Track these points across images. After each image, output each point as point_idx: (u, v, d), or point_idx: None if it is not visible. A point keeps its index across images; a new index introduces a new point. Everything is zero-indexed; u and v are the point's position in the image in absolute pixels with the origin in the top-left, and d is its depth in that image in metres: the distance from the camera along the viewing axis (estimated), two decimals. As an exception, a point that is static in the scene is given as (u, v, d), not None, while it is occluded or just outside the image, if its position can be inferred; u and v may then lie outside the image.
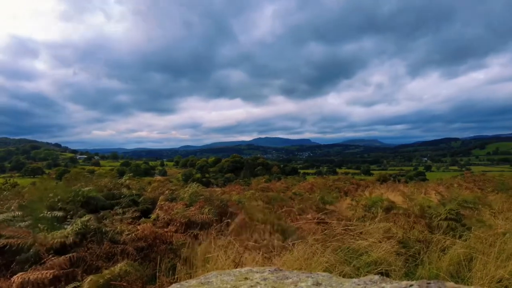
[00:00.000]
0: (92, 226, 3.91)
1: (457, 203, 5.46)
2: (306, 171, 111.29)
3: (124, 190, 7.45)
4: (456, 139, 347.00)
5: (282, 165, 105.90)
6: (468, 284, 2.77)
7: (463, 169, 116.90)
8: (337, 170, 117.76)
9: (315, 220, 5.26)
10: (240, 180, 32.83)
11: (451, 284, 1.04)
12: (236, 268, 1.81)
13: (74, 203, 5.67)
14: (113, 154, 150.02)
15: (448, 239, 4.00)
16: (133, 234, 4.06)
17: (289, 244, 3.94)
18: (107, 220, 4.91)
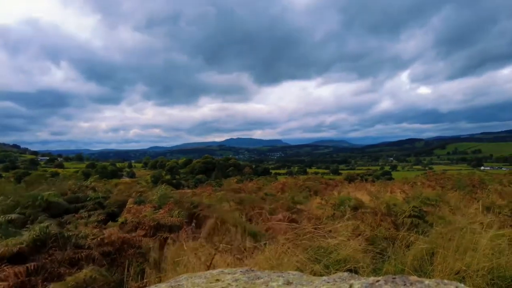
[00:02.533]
0: (53, 231, 3.71)
1: (420, 201, 5.72)
2: (277, 171, 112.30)
3: (90, 193, 7.16)
4: (419, 140, 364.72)
5: (254, 166, 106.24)
6: (429, 277, 2.91)
7: (426, 168, 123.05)
8: (308, 170, 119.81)
9: (286, 220, 5.31)
10: (212, 181, 32.56)
11: (414, 277, 1.09)
12: (208, 270, 1.78)
13: (34, 207, 5.37)
14: (78, 156, 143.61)
15: (412, 235, 4.17)
16: (99, 238, 3.89)
17: (261, 245, 3.95)
18: (71, 225, 4.69)
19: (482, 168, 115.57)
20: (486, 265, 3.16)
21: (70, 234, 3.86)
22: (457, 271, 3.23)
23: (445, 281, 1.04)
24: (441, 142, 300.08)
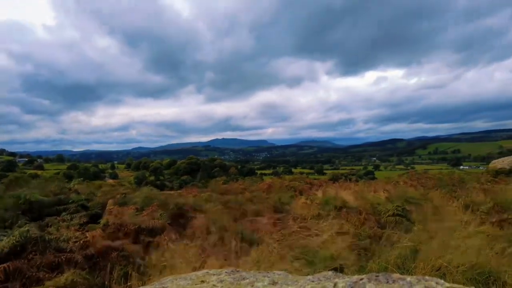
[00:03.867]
0: (33, 235, 3.60)
1: (403, 200, 5.84)
2: (263, 171, 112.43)
3: (73, 195, 7.00)
4: (401, 140, 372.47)
5: (239, 166, 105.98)
6: (412, 274, 2.97)
7: (408, 168, 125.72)
8: (293, 170, 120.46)
9: (272, 220, 5.32)
10: (197, 183, 32.32)
11: (397, 275, 1.11)
12: (193, 272, 1.76)
13: (14, 210, 5.20)
14: (59, 157, 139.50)
15: (395, 233, 4.26)
16: (82, 241, 3.80)
17: (247, 245, 3.95)
18: (52, 227, 4.57)
19: (461, 167, 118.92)
20: (465, 261, 3.26)
21: (51, 237, 3.76)
22: (439, 268, 3.31)
23: (426, 277, 1.06)
24: (423, 142, 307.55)
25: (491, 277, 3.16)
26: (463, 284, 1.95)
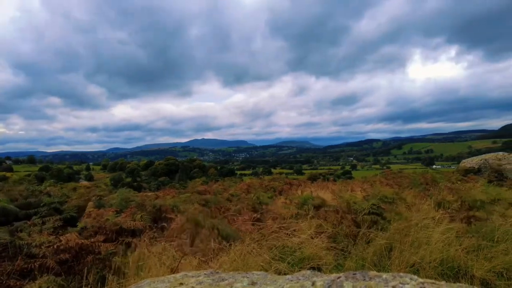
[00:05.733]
0: (3, 240, 3.44)
1: (378, 199, 6.00)
2: (243, 172, 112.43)
3: (44, 198, 6.73)
4: (377, 140, 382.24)
5: (219, 167, 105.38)
6: (387, 271, 3.07)
7: (384, 167, 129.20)
8: (272, 170, 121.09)
9: (251, 220, 5.33)
10: (176, 184, 31.87)
11: (373, 272, 1.15)
12: (172, 274, 1.75)
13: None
14: (30, 158, 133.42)
15: (372, 232, 4.37)
16: (55, 246, 3.66)
17: (226, 246, 3.93)
18: (23, 233, 4.37)
19: (434, 166, 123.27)
20: (437, 257, 3.40)
21: (22, 242, 3.60)
22: (412, 264, 3.44)
23: (401, 274, 1.10)
24: (398, 143, 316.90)
25: (461, 271, 3.31)
26: (435, 279, 2.03)
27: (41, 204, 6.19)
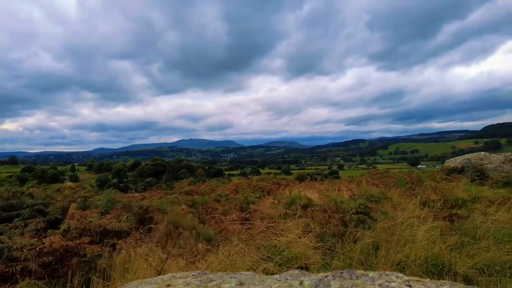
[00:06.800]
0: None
1: (365, 198, 6.07)
2: (231, 172, 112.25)
3: (27, 200, 6.55)
4: (364, 141, 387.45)
5: (207, 167, 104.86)
6: (374, 269, 3.11)
7: (370, 167, 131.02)
8: (261, 170, 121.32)
9: (239, 221, 5.32)
10: (163, 184, 31.55)
11: (360, 271, 1.16)
12: (159, 275, 1.73)
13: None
14: (12, 159, 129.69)
15: (358, 231, 4.42)
16: (38, 249, 3.57)
17: (214, 246, 3.92)
18: (3, 235, 4.24)
19: (419, 166, 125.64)
20: (422, 255, 3.47)
21: (3, 245, 3.50)
22: (398, 262, 3.50)
23: (387, 272, 1.12)
24: (384, 143, 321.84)
25: (445, 269, 3.39)
26: (420, 276, 2.07)
27: (24, 206, 6.02)
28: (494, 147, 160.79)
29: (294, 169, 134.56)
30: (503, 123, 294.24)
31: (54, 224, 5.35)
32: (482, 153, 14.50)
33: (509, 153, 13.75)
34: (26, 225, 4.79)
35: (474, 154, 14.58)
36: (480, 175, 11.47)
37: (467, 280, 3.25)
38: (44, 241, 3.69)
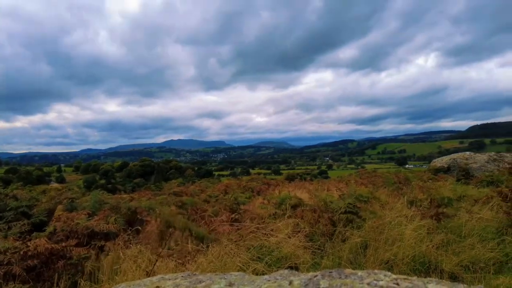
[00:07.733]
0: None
1: (354, 198, 6.13)
2: (221, 172, 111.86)
3: (11, 202, 6.39)
4: (352, 141, 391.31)
5: (196, 168, 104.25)
6: (363, 268, 3.15)
7: (359, 167, 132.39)
8: (251, 171, 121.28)
9: (229, 221, 5.30)
10: (152, 185, 31.26)
11: (349, 270, 1.17)
12: (148, 277, 1.71)
13: None
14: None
15: (347, 230, 4.46)
16: (22, 252, 3.48)
17: (204, 247, 3.90)
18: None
19: (407, 166, 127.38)
20: (409, 253, 3.53)
21: (-15, 249, 3.41)
22: (387, 261, 3.54)
23: (376, 271, 1.13)
24: (372, 143, 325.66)
25: (431, 266, 3.45)
26: (408, 274, 2.10)
27: (7, 209, 5.88)
28: (478, 147, 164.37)
29: (284, 169, 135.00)
30: (487, 123, 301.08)
31: (39, 227, 5.23)
32: (467, 153, 14.79)
33: (493, 153, 14.08)
34: (9, 228, 4.67)
35: (460, 154, 14.85)
36: (465, 175, 11.70)
37: (452, 277, 3.31)
38: (28, 244, 3.60)
